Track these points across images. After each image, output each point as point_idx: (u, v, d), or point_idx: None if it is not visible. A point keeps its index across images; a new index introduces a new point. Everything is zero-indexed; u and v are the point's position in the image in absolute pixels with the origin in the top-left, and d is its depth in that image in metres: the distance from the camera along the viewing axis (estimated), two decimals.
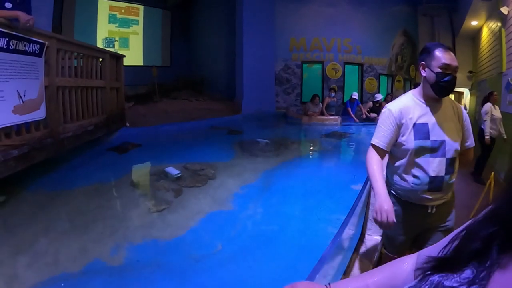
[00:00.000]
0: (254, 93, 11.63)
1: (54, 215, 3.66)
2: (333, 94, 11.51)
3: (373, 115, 11.10)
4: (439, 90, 1.98)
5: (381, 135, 2.11)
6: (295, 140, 9.16)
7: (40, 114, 4.25)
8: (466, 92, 14.05)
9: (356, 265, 2.54)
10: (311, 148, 8.61)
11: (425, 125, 2.01)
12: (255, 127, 10.14)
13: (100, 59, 6.30)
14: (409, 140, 2.03)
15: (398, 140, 2.08)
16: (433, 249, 0.74)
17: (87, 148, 5.85)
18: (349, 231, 2.72)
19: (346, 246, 2.65)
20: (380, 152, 2.13)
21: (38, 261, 2.83)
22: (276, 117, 11.80)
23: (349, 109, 11.14)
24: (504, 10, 7.52)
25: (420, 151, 2.01)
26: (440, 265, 0.62)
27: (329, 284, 0.88)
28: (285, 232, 3.61)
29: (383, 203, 1.92)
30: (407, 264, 0.85)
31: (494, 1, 8.51)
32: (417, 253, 0.86)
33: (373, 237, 2.98)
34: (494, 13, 8.80)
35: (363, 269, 2.45)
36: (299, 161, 6.83)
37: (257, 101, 11.60)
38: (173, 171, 4.96)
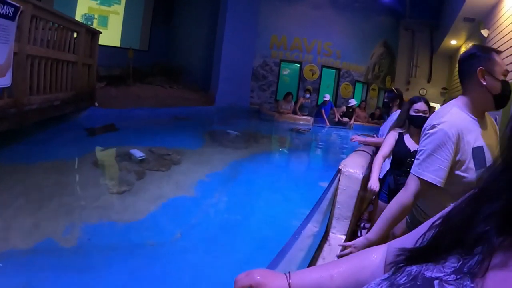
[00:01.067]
0: (229, 86, 11.52)
1: (9, 189, 3.49)
2: (308, 95, 11.55)
3: (345, 119, 11.23)
4: (502, 102, 1.58)
5: (436, 167, 1.55)
6: (266, 134, 9.19)
7: (5, 81, 4.06)
8: (438, 107, 14.45)
9: (319, 263, 2.52)
10: (281, 144, 8.70)
11: (481, 148, 1.59)
12: (227, 119, 10.10)
13: (76, 33, 6.07)
14: (470, 171, 1.58)
15: (456, 172, 1.59)
16: (405, 240, 0.69)
17: (53, 123, 5.65)
18: (314, 228, 2.69)
19: (309, 243, 2.62)
20: (426, 191, 1.61)
21: None
22: (249, 112, 11.75)
23: (323, 111, 11.20)
24: (484, 32, 7.73)
25: (479, 183, 1.56)
26: (416, 255, 0.56)
27: (289, 272, 0.82)
28: (248, 222, 3.56)
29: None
30: (376, 255, 0.79)
31: (476, 23, 8.72)
32: (386, 244, 0.80)
33: (338, 236, 2.96)
34: (474, 35, 9.05)
35: None
36: (268, 154, 6.87)
37: (232, 95, 11.50)
38: (137, 153, 4.85)
